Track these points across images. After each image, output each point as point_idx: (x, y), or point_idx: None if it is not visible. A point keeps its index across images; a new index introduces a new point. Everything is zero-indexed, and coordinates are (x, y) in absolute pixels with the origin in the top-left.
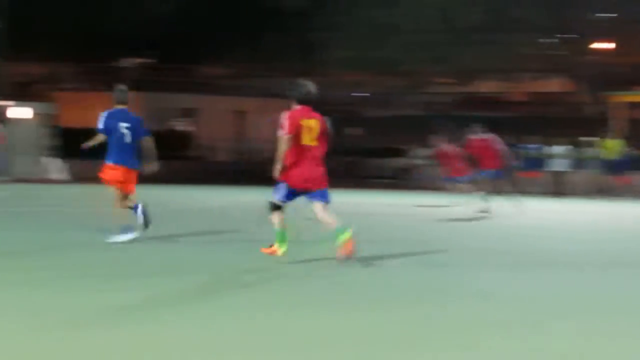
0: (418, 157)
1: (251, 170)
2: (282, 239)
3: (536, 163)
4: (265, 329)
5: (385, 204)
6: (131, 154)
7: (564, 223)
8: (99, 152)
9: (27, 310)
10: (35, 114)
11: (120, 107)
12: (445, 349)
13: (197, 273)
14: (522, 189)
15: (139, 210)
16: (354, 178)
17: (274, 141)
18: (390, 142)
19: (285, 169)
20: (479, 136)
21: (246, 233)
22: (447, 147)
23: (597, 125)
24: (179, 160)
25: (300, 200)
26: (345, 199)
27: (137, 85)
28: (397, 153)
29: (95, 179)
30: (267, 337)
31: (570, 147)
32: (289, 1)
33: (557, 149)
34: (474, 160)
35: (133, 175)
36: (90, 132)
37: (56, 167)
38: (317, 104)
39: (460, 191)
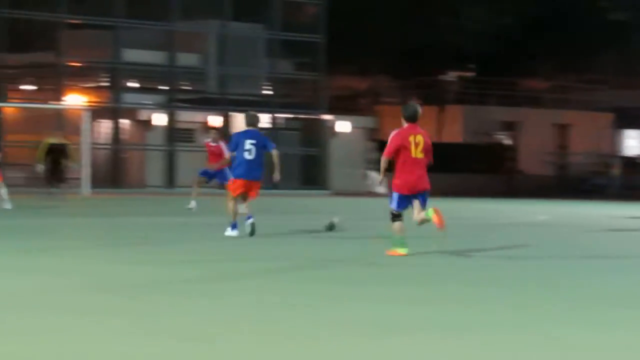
0: None
1: (572, 183)
2: (402, 244)
3: None
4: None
5: None
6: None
7: None
8: None
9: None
10: (356, 127)
11: (249, 128)
12: None
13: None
14: None
15: (250, 221)
16: None
17: (596, 155)
18: None
19: (396, 180)
20: None
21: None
22: None
23: None
24: (496, 173)
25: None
26: None
27: (458, 98)
28: None
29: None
30: None
31: None
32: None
33: None
34: None
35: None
36: None
37: (376, 181)
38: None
39: None
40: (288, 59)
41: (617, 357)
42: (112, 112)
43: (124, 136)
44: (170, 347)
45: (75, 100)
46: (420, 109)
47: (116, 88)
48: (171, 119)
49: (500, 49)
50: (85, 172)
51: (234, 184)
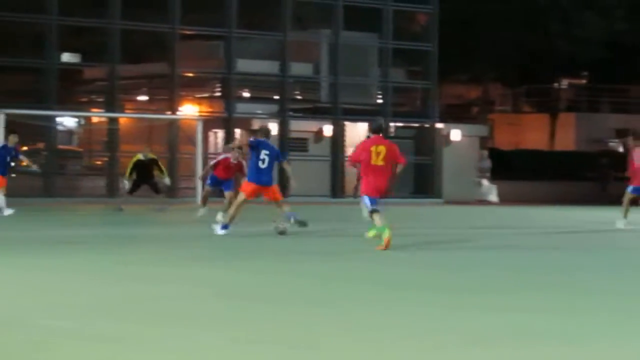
0: None
1: None
2: (384, 229)
3: None
4: None
5: None
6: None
7: None
8: (530, 174)
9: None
10: (468, 136)
11: (263, 139)
12: None
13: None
14: None
15: (293, 216)
16: None
17: None
18: None
19: (362, 185)
20: None
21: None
22: None
23: None
24: (608, 181)
25: None
26: None
27: (570, 106)
28: None
29: (523, 201)
30: None
31: None
32: None
33: None
34: None
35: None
36: (522, 154)
37: (489, 190)
38: None
39: None
40: (400, 68)
41: None
42: (225, 122)
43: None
44: (281, 354)
45: (188, 110)
46: (383, 124)
47: (229, 98)
48: (283, 129)
49: (612, 56)
50: (198, 182)
51: (248, 187)
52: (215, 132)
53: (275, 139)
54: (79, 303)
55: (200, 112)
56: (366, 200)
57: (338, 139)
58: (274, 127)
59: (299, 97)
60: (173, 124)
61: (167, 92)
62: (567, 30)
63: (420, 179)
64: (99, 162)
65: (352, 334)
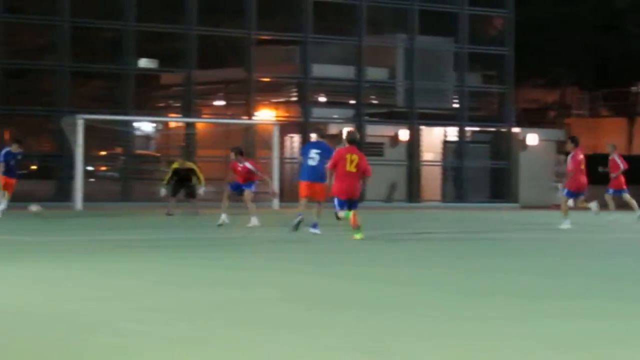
0: None
1: None
2: (358, 232)
3: None
4: None
5: None
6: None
7: None
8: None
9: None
10: (544, 140)
11: (318, 140)
12: None
13: None
14: None
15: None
16: None
17: None
18: None
19: (334, 188)
20: None
21: None
22: None
23: None
24: None
25: None
26: None
27: None
28: None
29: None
30: None
31: None
32: None
33: None
34: None
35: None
36: (599, 158)
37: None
38: None
39: None
40: (475, 72)
41: None
42: (301, 127)
43: None
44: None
45: (264, 115)
46: (358, 137)
47: (305, 103)
48: (360, 133)
49: None
50: (275, 187)
51: (300, 187)
52: (291, 137)
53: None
54: (159, 307)
55: (276, 116)
56: (335, 201)
57: (414, 143)
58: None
59: (374, 102)
60: (249, 129)
61: (243, 97)
62: None
63: (496, 183)
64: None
65: (432, 339)
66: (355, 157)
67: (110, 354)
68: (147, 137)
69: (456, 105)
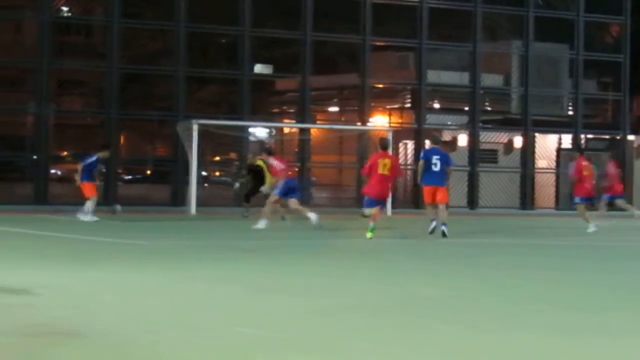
0: None
1: None
2: (372, 230)
3: None
4: None
5: None
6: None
7: None
8: None
9: None
10: None
11: (434, 146)
12: None
13: None
14: None
15: (443, 228)
16: None
17: None
18: None
19: (367, 188)
20: None
21: None
22: None
23: None
24: None
25: None
26: None
27: None
28: None
29: None
30: None
31: None
32: None
33: None
34: None
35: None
36: None
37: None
38: None
39: None
40: (591, 79)
41: None
42: (416, 133)
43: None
44: None
45: (378, 121)
46: (390, 143)
47: (419, 109)
48: (473, 140)
49: None
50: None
51: (425, 192)
52: (406, 143)
53: (464, 150)
54: (265, 312)
55: (390, 123)
56: (366, 198)
57: (528, 150)
58: (463, 139)
59: (489, 109)
60: (363, 135)
61: (358, 103)
62: None
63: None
64: (290, 172)
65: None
66: (387, 161)
67: (228, 357)
68: (261, 143)
69: (571, 113)
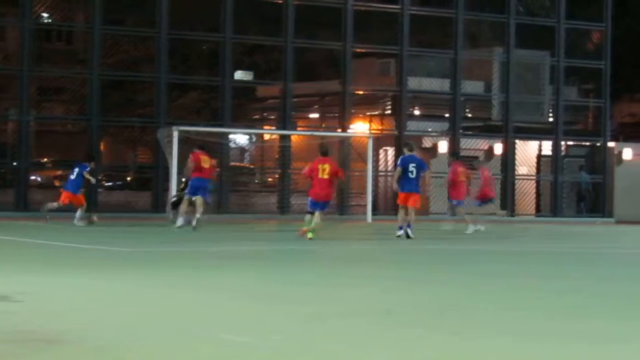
0: None
1: None
2: (313, 231)
3: None
4: None
5: None
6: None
7: None
8: None
9: None
10: (639, 154)
11: (411, 153)
12: None
13: None
14: None
15: (407, 230)
16: None
17: None
18: None
19: (310, 191)
20: None
21: None
22: None
23: None
24: None
25: None
26: None
27: None
28: None
29: None
30: None
31: None
32: None
33: None
34: None
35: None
36: None
37: None
38: None
39: None
40: (571, 86)
41: None
42: (396, 140)
43: None
44: None
45: (359, 127)
46: (329, 149)
47: (400, 115)
48: (454, 146)
49: None
50: (368, 199)
51: (400, 197)
52: (386, 150)
53: (445, 157)
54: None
55: (371, 129)
56: (309, 201)
57: (509, 157)
58: (444, 145)
59: (469, 115)
60: (344, 142)
61: (339, 110)
62: None
63: (592, 197)
64: (270, 179)
65: None
66: (326, 165)
67: None
68: (242, 149)
69: (551, 119)
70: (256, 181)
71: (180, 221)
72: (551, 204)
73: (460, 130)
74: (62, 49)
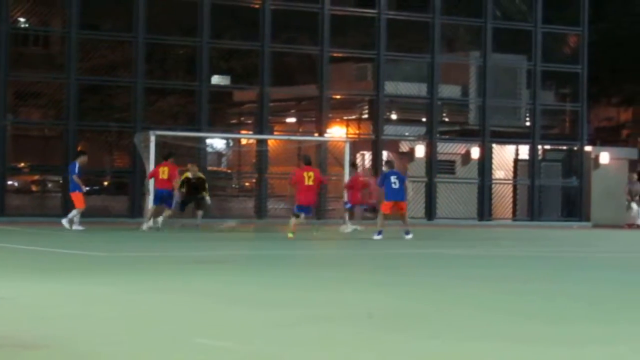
0: None
1: None
2: (292, 233)
3: None
4: None
5: None
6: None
7: None
8: None
9: None
10: (617, 158)
11: (391, 169)
12: None
13: None
14: None
15: (408, 236)
16: None
17: None
18: None
19: (297, 197)
20: None
21: None
22: None
23: None
24: None
25: None
26: None
27: None
28: None
29: None
30: None
31: None
32: None
33: None
34: None
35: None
36: None
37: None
38: None
39: None
40: (548, 90)
41: None
42: (373, 144)
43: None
44: None
45: (336, 132)
46: (311, 159)
47: (377, 120)
48: (431, 151)
49: None
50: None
51: (386, 205)
52: (363, 154)
53: (422, 161)
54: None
55: (348, 134)
56: (296, 207)
57: (485, 161)
58: (421, 149)
59: (446, 119)
60: (321, 146)
61: (316, 114)
62: None
63: (568, 202)
64: (247, 184)
65: None
66: (311, 173)
67: None
68: (219, 154)
69: (528, 123)
70: (233, 185)
71: (148, 225)
72: (528, 208)
73: (437, 135)
74: (39, 53)
